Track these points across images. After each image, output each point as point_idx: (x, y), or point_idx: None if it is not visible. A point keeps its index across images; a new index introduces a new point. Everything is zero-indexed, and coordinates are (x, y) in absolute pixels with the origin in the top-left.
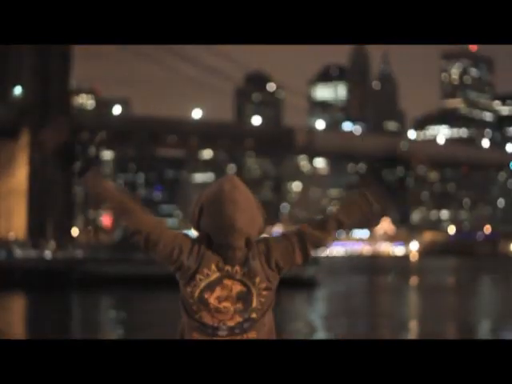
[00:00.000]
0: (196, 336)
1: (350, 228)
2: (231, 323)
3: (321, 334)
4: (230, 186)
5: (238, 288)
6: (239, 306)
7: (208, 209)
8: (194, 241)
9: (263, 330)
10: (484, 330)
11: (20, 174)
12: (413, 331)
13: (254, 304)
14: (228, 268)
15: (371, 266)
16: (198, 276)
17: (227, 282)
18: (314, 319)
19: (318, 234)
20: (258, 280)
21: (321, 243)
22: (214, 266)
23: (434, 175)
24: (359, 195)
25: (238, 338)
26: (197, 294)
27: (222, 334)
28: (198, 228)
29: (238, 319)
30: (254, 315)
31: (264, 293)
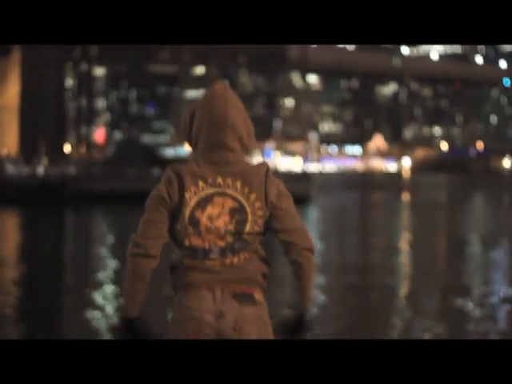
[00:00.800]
0: (187, 262)
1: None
2: (222, 243)
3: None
4: (221, 86)
5: (230, 204)
6: (231, 227)
7: (200, 110)
8: (161, 184)
9: (254, 256)
10: (475, 245)
11: (12, 91)
12: (404, 247)
13: (248, 228)
14: (220, 181)
15: (364, 182)
16: (187, 194)
17: (218, 198)
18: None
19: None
20: (253, 197)
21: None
22: (201, 183)
23: (426, 91)
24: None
25: (229, 260)
26: (187, 214)
27: (214, 257)
28: (189, 137)
29: (229, 239)
30: (245, 237)
31: (259, 221)
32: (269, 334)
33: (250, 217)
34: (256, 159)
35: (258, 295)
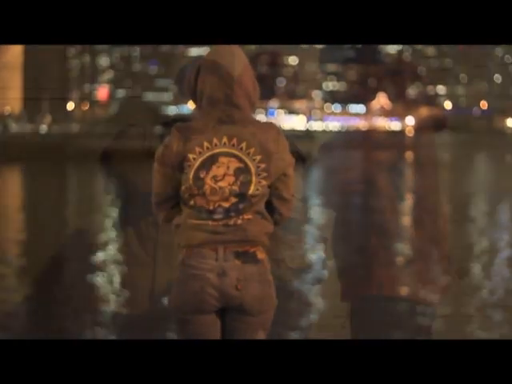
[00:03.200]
0: (191, 222)
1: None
2: (226, 204)
3: (315, 209)
4: (227, 44)
5: (235, 164)
6: (235, 187)
7: (205, 64)
8: (163, 146)
9: (258, 216)
10: (478, 205)
11: (15, 48)
12: (407, 204)
13: (251, 189)
14: (225, 140)
15: (367, 140)
16: (191, 155)
17: (223, 158)
18: (309, 194)
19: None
20: (258, 158)
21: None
22: (206, 143)
23: (430, 50)
24: None
25: (233, 221)
26: (192, 174)
27: (218, 218)
28: (193, 95)
29: (234, 200)
30: (249, 198)
31: (263, 182)
32: (271, 293)
33: (254, 178)
34: (259, 118)
35: (261, 254)
